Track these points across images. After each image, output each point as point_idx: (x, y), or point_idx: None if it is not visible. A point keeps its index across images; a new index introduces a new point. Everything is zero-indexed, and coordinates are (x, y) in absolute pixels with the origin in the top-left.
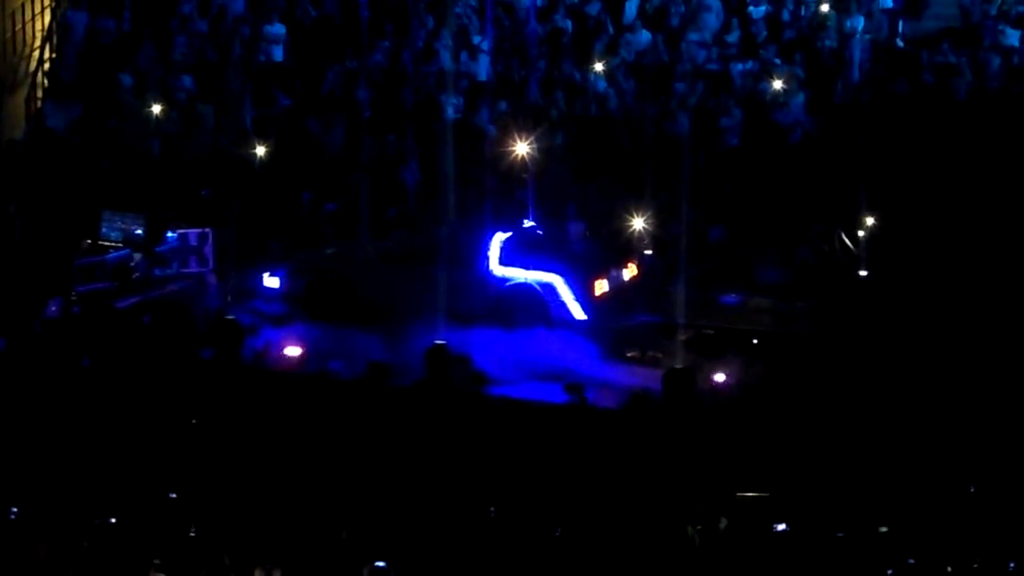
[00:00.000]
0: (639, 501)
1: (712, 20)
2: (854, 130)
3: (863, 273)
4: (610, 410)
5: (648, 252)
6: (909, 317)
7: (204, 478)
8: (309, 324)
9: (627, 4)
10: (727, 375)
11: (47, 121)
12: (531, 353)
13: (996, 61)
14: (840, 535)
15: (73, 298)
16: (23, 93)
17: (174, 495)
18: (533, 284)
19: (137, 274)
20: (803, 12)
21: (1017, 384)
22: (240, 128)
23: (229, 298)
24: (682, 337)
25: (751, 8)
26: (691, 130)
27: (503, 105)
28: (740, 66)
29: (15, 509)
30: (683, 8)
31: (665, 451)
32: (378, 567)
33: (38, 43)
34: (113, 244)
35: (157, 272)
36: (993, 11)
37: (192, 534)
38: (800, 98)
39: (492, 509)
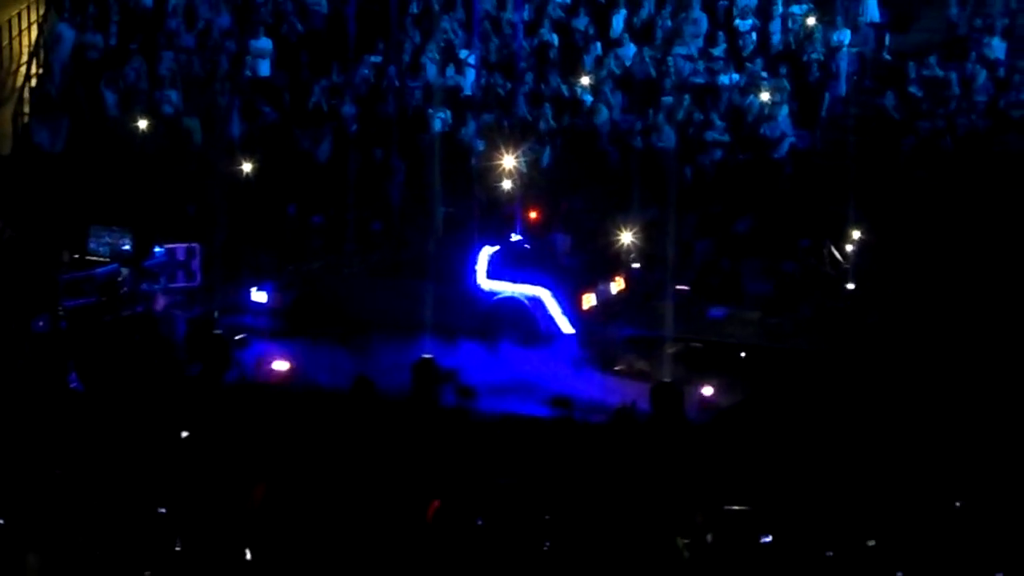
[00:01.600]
0: (627, 514)
1: (699, 33)
2: (841, 143)
3: (851, 286)
4: (597, 424)
5: (636, 265)
6: (898, 330)
7: (191, 492)
8: (296, 338)
9: (614, 18)
10: (715, 388)
11: (34, 136)
12: (519, 367)
13: (983, 74)
14: (828, 549)
15: (61, 313)
16: (10, 108)
17: (163, 510)
18: (521, 298)
19: (125, 289)
20: (790, 25)
21: (1006, 397)
22: (227, 142)
23: (216, 313)
24: (670, 350)
25: (738, 21)
26: (678, 143)
27: (490, 119)
28: (727, 79)
29: (1, 521)
30: (669, 22)
31: (652, 465)
32: None
33: (25, 58)
34: (101, 259)
35: (144, 287)
36: (979, 23)
37: (178, 548)
38: (787, 111)
39: (480, 522)
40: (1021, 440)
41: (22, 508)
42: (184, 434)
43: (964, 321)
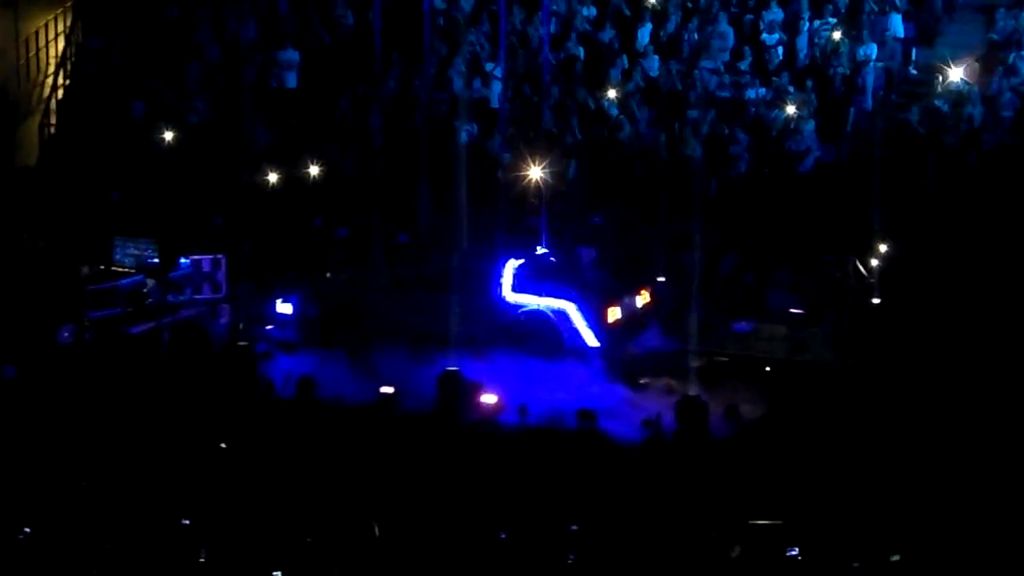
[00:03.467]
0: (651, 528)
1: (725, 47)
2: (867, 157)
3: (876, 301)
4: (622, 437)
5: (661, 279)
6: (923, 344)
7: (215, 503)
8: (322, 350)
9: (640, 31)
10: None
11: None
12: (543, 380)
13: (1008, 89)
14: (853, 562)
15: (86, 324)
16: (36, 120)
17: (187, 521)
18: (546, 311)
19: (150, 300)
20: (816, 40)
21: None
22: (253, 154)
23: (241, 325)
24: (695, 364)
25: (764, 35)
26: (704, 157)
27: (516, 131)
28: (753, 93)
29: (27, 529)
30: (696, 35)
31: (677, 478)
32: None
33: (52, 70)
34: (126, 270)
35: (170, 298)
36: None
37: (202, 560)
38: (813, 125)
39: (503, 535)
40: None
41: (48, 518)
42: (223, 445)
43: (989, 335)
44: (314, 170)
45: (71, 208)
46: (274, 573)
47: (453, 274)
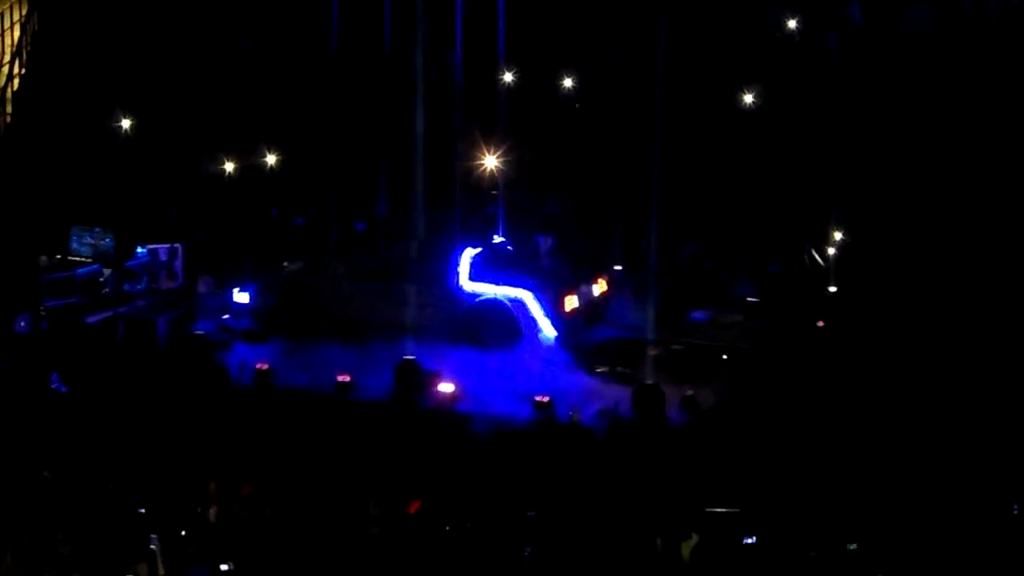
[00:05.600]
0: (610, 516)
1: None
2: (822, 147)
3: (832, 289)
4: (579, 426)
5: (618, 268)
6: (878, 332)
7: (170, 489)
8: (279, 339)
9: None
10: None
11: None
12: (501, 369)
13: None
14: (810, 551)
15: (42, 313)
16: None
17: (143, 510)
18: (503, 300)
19: (107, 289)
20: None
21: (986, 399)
22: (209, 143)
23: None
24: (652, 353)
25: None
26: (662, 145)
27: (473, 119)
28: (713, 82)
29: None
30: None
31: (635, 466)
32: None
33: (7, 59)
34: (83, 259)
35: (127, 287)
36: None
37: (152, 547)
38: (772, 114)
39: (469, 525)
40: (1005, 441)
41: (8, 508)
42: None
43: (947, 322)
44: (271, 159)
45: (27, 198)
46: (222, 566)
47: (410, 263)
